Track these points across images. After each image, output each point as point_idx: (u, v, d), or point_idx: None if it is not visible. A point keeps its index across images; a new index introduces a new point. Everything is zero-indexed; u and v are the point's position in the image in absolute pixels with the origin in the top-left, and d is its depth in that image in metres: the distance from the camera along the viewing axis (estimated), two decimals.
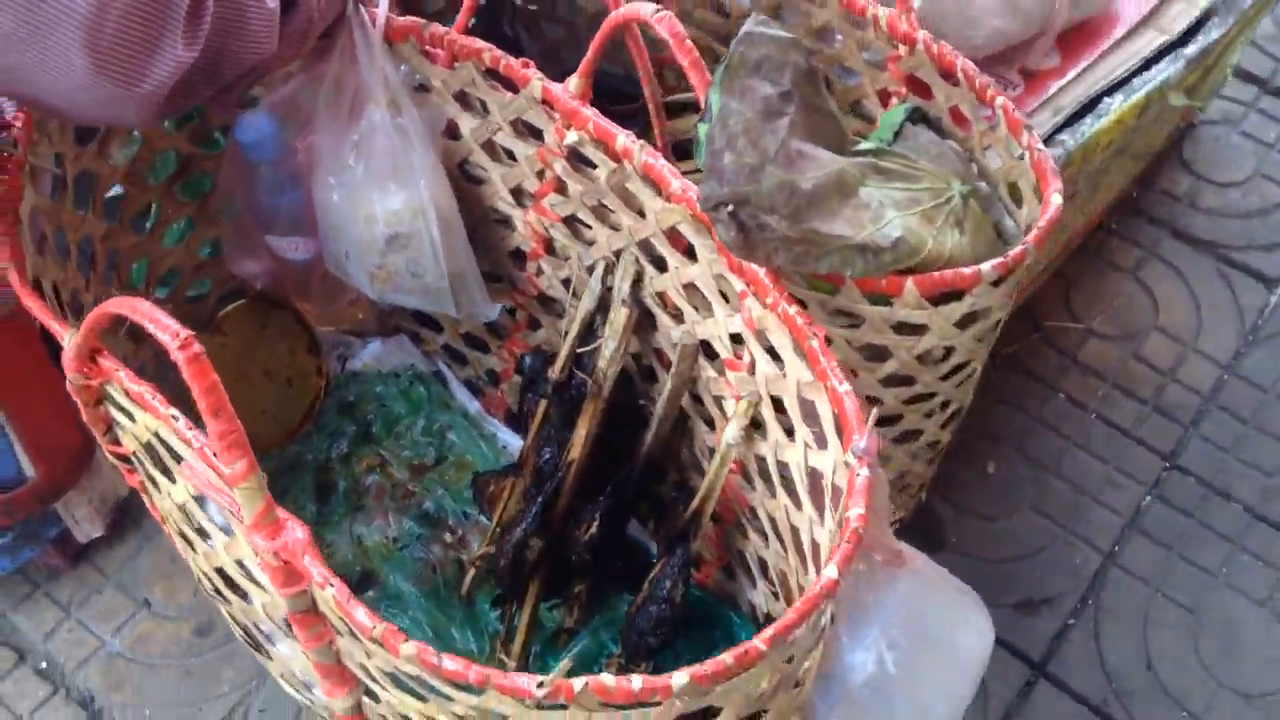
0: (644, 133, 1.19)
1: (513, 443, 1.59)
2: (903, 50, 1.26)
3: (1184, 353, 1.78)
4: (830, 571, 0.89)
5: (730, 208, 0.95)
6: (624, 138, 1.11)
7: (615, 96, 1.30)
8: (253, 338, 1.55)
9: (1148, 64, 1.48)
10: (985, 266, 1.08)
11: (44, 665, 1.56)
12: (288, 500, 1.56)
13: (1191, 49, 1.50)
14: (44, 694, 1.54)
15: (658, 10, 0.99)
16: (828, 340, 1.15)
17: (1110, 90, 1.45)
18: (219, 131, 1.40)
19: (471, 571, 1.46)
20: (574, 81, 1.14)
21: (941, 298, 1.11)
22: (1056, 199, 1.13)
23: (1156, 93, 1.46)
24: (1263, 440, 1.70)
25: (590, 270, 1.29)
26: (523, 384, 1.38)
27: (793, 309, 1.02)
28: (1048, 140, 1.40)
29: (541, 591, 1.36)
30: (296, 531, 0.90)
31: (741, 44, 0.95)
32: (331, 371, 1.63)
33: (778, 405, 1.12)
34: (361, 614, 0.88)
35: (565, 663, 1.30)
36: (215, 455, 0.87)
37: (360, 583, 1.49)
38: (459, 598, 1.48)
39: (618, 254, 1.25)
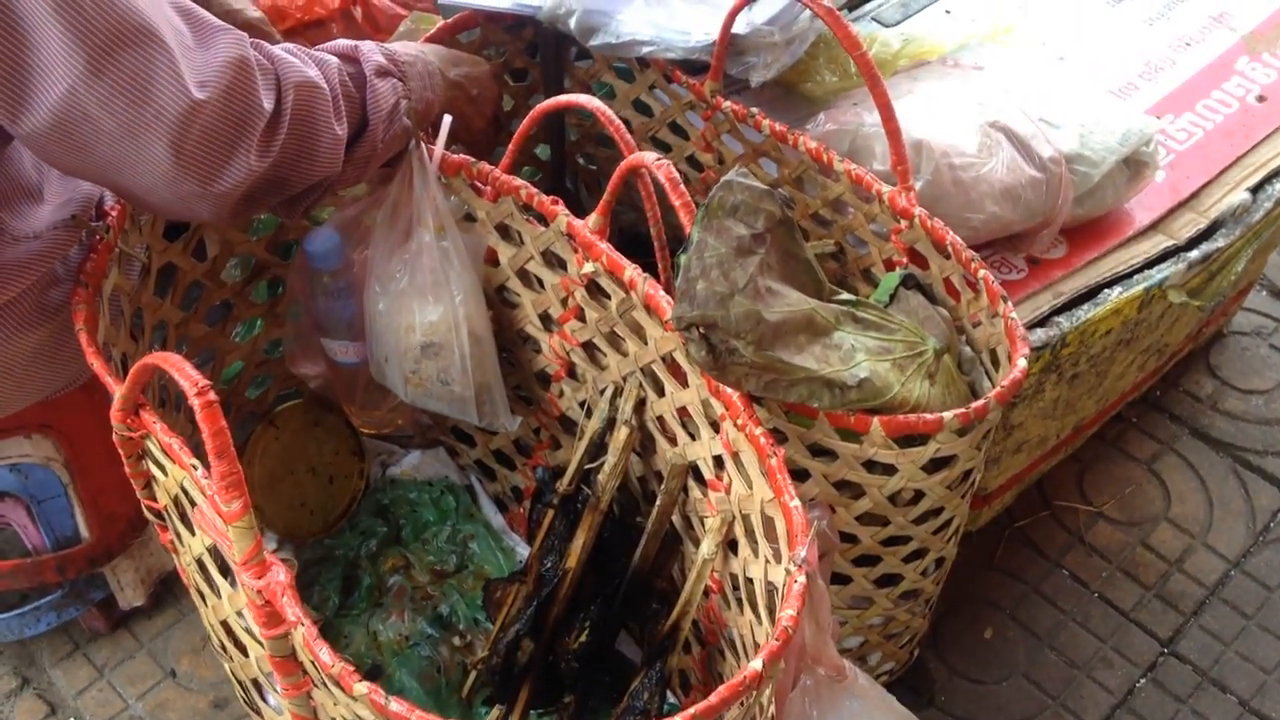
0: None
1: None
2: (903, 224, 1.38)
3: (1192, 545, 1.81)
4: (755, 664, 0.96)
5: (701, 330, 1.06)
6: (631, 269, 1.23)
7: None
8: (303, 435, 1.65)
9: (1151, 263, 1.56)
10: (947, 414, 1.17)
11: None
12: (315, 591, 1.65)
13: (1195, 253, 1.56)
14: None
15: (658, 159, 1.13)
16: (805, 473, 1.25)
17: (1111, 283, 1.53)
18: (292, 242, 1.57)
19: (472, 675, 1.53)
20: (593, 218, 1.27)
21: (907, 440, 1.20)
22: (1023, 362, 1.22)
23: (1157, 290, 1.54)
24: (1263, 637, 1.71)
25: (602, 393, 1.41)
26: (533, 494, 1.49)
27: (759, 429, 1.12)
28: (1044, 321, 1.48)
29: (531, 698, 1.44)
30: (279, 574, 1.00)
31: (721, 189, 1.08)
32: (372, 475, 1.74)
33: (748, 524, 1.20)
34: (325, 653, 0.98)
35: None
36: (217, 495, 0.98)
37: (368, 674, 1.56)
38: (459, 699, 1.55)
39: (626, 378, 1.37)
